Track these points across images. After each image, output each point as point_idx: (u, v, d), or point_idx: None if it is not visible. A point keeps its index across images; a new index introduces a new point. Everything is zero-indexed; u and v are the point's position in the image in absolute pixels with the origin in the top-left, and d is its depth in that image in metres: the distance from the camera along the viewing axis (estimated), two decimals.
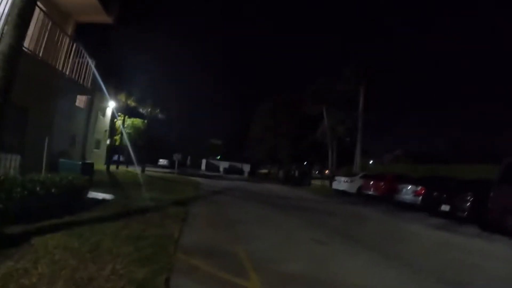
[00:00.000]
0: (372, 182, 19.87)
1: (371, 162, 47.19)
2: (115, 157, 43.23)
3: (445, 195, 14.00)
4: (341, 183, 22.78)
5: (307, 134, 39.11)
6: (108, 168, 22.30)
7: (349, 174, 27.11)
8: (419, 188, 15.56)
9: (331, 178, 31.93)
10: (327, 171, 62.23)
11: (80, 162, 12.59)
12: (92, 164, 14.13)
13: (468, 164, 25.21)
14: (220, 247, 5.78)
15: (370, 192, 19.71)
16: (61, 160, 13.17)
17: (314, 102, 32.52)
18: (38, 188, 6.48)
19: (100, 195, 10.38)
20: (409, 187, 16.09)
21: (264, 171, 59.92)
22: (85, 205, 8.08)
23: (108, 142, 27.27)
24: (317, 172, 56.60)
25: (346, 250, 6.51)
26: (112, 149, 32.01)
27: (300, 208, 13.69)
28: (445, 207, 13.42)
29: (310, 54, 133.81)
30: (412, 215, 14.10)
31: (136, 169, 28.07)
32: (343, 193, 22.36)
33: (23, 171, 8.91)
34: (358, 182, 21.75)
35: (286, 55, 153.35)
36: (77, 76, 10.58)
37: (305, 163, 50.58)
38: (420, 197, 15.29)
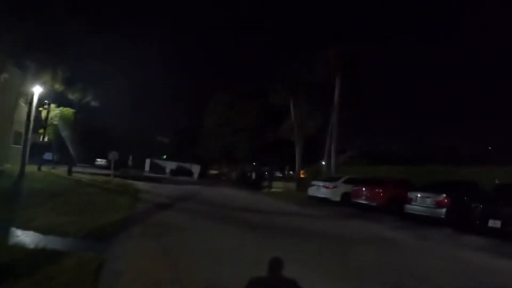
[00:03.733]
0: (365, 189, 15.62)
1: (323, 163, 43.33)
2: (46, 156, 36.62)
3: (482, 206, 10.24)
4: (320, 189, 18.25)
5: (269, 130, 34.59)
6: (22, 169, 16.39)
7: (320, 177, 23.06)
8: (441, 197, 11.58)
9: (298, 181, 27.77)
10: (277, 172, 58.21)
11: None
12: None
13: (432, 164, 22.62)
14: None
15: (363, 201, 15.38)
16: None
17: (281, 92, 27.86)
18: None
19: None
20: (427, 196, 12.05)
21: (215, 171, 54.84)
22: None
23: (24, 135, 20.94)
24: (266, 173, 52.06)
25: None
26: (39, 146, 25.65)
27: (292, 231, 8.73)
28: (494, 223, 9.52)
29: (279, 44, 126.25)
30: (439, 233, 10.23)
31: (68, 170, 22.07)
32: (323, 201, 17.86)
33: None
34: (342, 187, 17.42)
35: (250, 43, 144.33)
36: None
37: (254, 164, 45.83)
38: (445, 209, 11.36)
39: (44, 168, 22.85)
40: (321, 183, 18.62)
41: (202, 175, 50.46)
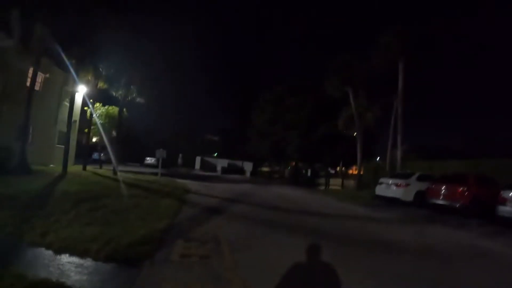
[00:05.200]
0: (444, 187, 13.68)
1: (378, 159, 40.63)
2: (94, 155, 37.29)
3: None
4: (389, 188, 16.43)
5: (321, 125, 32.72)
6: (64, 169, 16.06)
7: (381, 174, 21.20)
8: None
9: (358, 179, 25.90)
10: (330, 169, 55.86)
11: None
12: None
13: (497, 158, 19.43)
14: None
15: (442, 202, 13.57)
16: None
17: (336, 82, 25.83)
18: None
19: None
20: None
21: (266, 169, 53.68)
22: None
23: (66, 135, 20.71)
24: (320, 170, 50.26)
25: None
26: (86, 145, 25.74)
27: (370, 242, 7.26)
28: None
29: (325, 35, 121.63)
30: None
31: (113, 169, 21.68)
32: (391, 201, 16.13)
33: None
34: (416, 185, 15.54)
35: (297, 33, 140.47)
36: None
37: (308, 160, 43.97)
38: None
39: (90, 168, 22.66)
40: (390, 181, 16.70)
41: (254, 173, 49.67)
